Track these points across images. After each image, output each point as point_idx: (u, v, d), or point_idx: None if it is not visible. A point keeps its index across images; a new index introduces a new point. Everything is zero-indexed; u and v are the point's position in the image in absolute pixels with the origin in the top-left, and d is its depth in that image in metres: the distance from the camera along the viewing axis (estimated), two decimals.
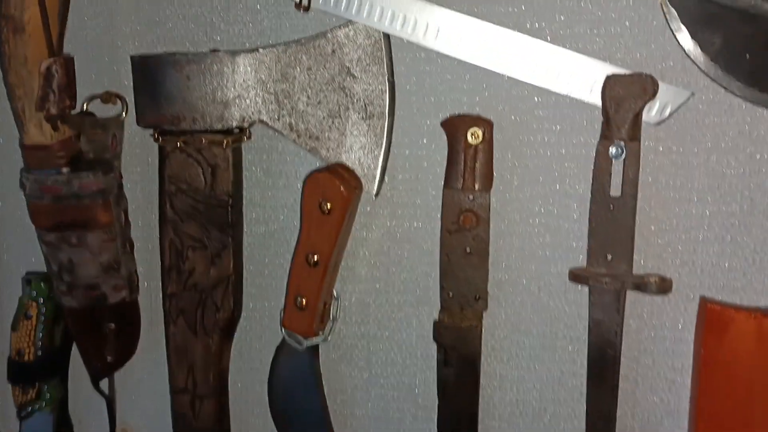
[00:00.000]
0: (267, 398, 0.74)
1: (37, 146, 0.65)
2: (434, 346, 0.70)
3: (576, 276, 0.67)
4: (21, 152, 0.68)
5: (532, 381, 0.71)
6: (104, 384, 0.79)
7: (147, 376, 0.79)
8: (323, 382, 0.73)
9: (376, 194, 0.69)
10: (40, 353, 0.77)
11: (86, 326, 0.73)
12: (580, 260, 0.68)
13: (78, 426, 0.82)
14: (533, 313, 0.70)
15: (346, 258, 0.72)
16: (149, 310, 0.77)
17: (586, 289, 0.67)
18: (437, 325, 0.70)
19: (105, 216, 0.69)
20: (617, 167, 0.64)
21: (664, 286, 0.65)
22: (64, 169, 0.67)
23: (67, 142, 0.67)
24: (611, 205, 0.65)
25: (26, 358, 0.77)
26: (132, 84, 0.70)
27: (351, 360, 0.75)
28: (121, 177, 0.72)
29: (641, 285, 0.64)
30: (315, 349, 0.72)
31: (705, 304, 0.66)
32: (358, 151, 0.68)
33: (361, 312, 0.74)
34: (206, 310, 0.72)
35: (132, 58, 0.69)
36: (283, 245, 0.74)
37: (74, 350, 0.80)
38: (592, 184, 0.65)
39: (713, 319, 0.65)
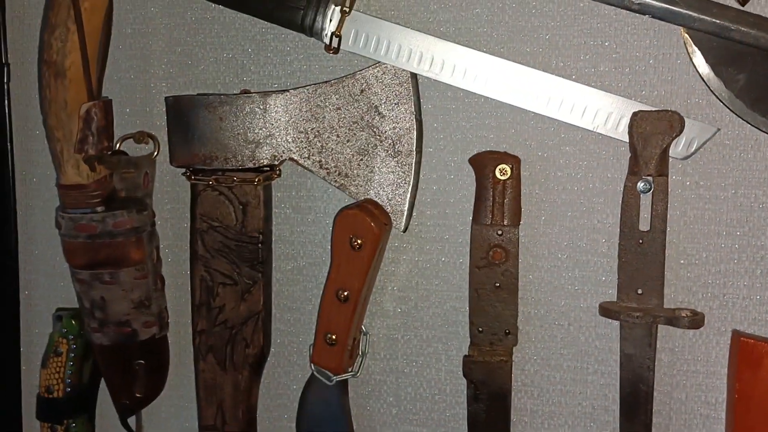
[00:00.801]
0: None
1: (73, 186, 0.67)
2: (464, 382, 0.70)
3: (606, 310, 0.67)
4: (57, 192, 0.70)
5: (564, 416, 0.70)
6: (132, 421, 0.78)
7: (175, 413, 0.80)
8: (352, 419, 0.74)
9: (404, 230, 0.70)
10: (68, 390, 0.77)
11: (116, 363, 0.74)
12: (610, 294, 0.68)
13: None
14: (564, 348, 0.70)
15: (375, 293, 0.73)
16: (178, 346, 0.78)
17: (616, 323, 0.67)
18: (467, 360, 0.70)
19: (137, 253, 0.70)
20: (645, 202, 0.65)
21: (696, 321, 0.65)
22: (99, 208, 0.68)
23: (102, 181, 0.68)
24: (641, 240, 0.65)
25: (55, 394, 0.77)
26: (165, 124, 0.72)
27: (379, 396, 0.75)
28: (154, 215, 0.73)
29: (673, 319, 0.64)
30: (344, 384, 0.72)
31: (738, 337, 0.65)
32: (387, 187, 0.69)
33: (390, 347, 0.74)
34: (236, 346, 0.72)
35: (166, 99, 0.71)
36: (312, 281, 0.75)
37: (102, 387, 0.80)
38: (621, 219, 0.66)
39: (746, 352, 0.65)
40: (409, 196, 0.70)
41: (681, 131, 0.63)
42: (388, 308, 0.73)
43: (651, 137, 0.64)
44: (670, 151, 0.65)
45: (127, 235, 0.69)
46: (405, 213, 0.70)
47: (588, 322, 0.69)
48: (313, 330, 0.72)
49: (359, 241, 0.66)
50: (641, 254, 0.65)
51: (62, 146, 0.65)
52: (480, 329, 0.70)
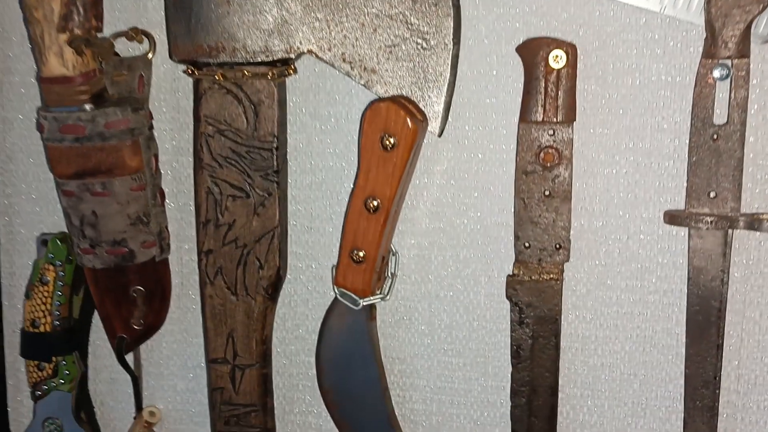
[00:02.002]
0: (315, 370, 0.66)
1: (57, 78, 0.57)
2: (507, 305, 0.62)
3: (673, 217, 0.59)
4: (39, 88, 0.60)
5: (621, 342, 0.62)
6: (129, 359, 0.69)
7: (178, 349, 0.70)
8: (380, 350, 0.65)
9: (440, 134, 0.61)
10: (57, 324, 0.68)
11: (110, 290, 0.65)
12: (677, 202, 0.60)
13: (100, 407, 0.73)
14: (622, 264, 0.61)
15: (405, 209, 0.64)
16: (182, 271, 0.68)
17: (683, 234, 0.59)
18: (511, 281, 0.62)
19: (134, 160, 0.61)
20: (722, 91, 0.57)
21: None
22: (87, 106, 0.59)
23: (90, 75, 0.59)
24: (715, 135, 0.57)
25: (42, 329, 0.68)
26: (163, 16, 0.62)
27: (411, 324, 0.66)
28: (152, 117, 0.64)
29: (753, 223, 0.57)
30: (371, 310, 0.64)
31: None
32: (419, 85, 0.61)
33: (422, 269, 0.65)
34: (248, 268, 0.63)
35: None
36: (333, 197, 0.66)
37: (95, 322, 0.71)
38: (692, 112, 0.57)
39: None
40: (445, 94, 0.60)
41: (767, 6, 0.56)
42: (421, 225, 0.64)
43: (732, 12, 0.55)
44: (751, 34, 0.57)
45: (121, 137, 0.59)
46: (441, 115, 0.61)
47: (650, 234, 0.61)
48: (334, 253, 0.64)
49: (392, 140, 0.58)
50: (715, 151, 0.57)
51: (43, 29, 0.56)
52: (526, 244, 0.62)
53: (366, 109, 0.58)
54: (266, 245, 0.63)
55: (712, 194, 0.58)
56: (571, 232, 0.61)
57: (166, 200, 0.67)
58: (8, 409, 0.73)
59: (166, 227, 0.66)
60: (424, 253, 0.65)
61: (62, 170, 0.61)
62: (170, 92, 0.67)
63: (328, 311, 0.65)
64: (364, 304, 0.63)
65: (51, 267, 0.68)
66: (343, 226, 0.62)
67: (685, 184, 0.59)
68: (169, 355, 0.72)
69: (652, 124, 0.60)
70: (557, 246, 0.61)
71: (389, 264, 0.65)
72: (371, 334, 0.65)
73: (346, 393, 0.66)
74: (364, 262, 0.61)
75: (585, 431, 0.64)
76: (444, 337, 0.66)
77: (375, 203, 0.60)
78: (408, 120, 0.57)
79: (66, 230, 0.66)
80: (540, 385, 0.63)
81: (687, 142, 0.58)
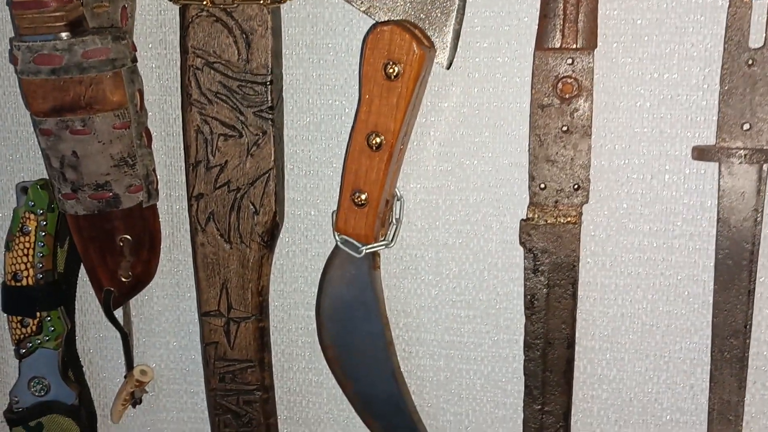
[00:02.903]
0: (315, 325, 0.62)
1: (29, 2, 0.51)
2: (520, 252, 0.58)
3: (702, 153, 0.55)
4: (10, 15, 0.56)
5: (642, 290, 0.58)
6: (119, 316, 0.65)
7: (170, 304, 0.66)
8: (384, 301, 0.60)
9: (448, 66, 0.56)
10: (40, 276, 0.64)
11: (95, 239, 0.60)
12: (705, 137, 0.55)
13: (88, 367, 0.69)
14: (645, 206, 0.57)
15: (410, 150, 0.59)
16: (171, 219, 0.64)
17: (713, 170, 0.54)
18: (525, 225, 0.57)
19: (115, 94, 0.55)
20: (758, 12, 0.51)
21: None
22: (64, 34, 0.54)
23: (66, 0, 0.55)
24: (750, 60, 0.52)
25: (24, 282, 0.64)
26: None
27: (417, 275, 0.62)
28: (135, 48, 0.59)
29: None
30: (374, 258, 0.59)
31: None
32: (426, 11, 0.56)
33: (429, 215, 0.61)
34: (242, 213, 0.59)
35: None
36: (332, 138, 0.61)
37: (82, 277, 0.68)
38: (725, 36, 0.52)
39: None
40: (454, 22, 0.56)
41: None
42: (427, 167, 0.60)
43: None
44: None
45: (101, 68, 0.54)
46: (449, 44, 0.56)
47: (677, 172, 0.56)
48: (334, 199, 0.60)
49: (396, 68, 0.52)
50: (750, 78, 0.52)
51: None
52: (542, 185, 0.57)
53: (368, 34, 0.53)
54: (261, 188, 0.59)
55: (746, 126, 0.53)
56: (591, 171, 0.56)
57: (154, 143, 0.62)
58: None
59: (154, 170, 0.61)
60: (431, 197, 0.61)
61: (39, 106, 0.56)
62: (156, 25, 0.62)
63: (328, 261, 0.61)
64: (367, 251, 0.58)
65: (32, 216, 0.63)
66: (344, 166, 0.57)
67: (716, 117, 0.54)
68: (160, 311, 0.67)
69: (680, 51, 0.54)
70: (575, 186, 0.57)
71: (393, 209, 0.60)
72: (374, 285, 0.60)
73: (349, 348, 0.62)
74: (367, 205, 0.57)
75: (603, 386, 0.60)
76: (452, 287, 0.61)
77: (378, 140, 0.55)
78: (414, 45, 0.52)
79: (47, 177, 0.63)
80: (555, 338, 0.59)
81: (718, 69, 0.53)
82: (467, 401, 0.63)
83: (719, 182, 0.54)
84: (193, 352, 0.67)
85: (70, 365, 0.68)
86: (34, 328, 0.66)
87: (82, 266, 0.67)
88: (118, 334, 0.66)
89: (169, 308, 0.67)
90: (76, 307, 0.68)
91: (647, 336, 0.59)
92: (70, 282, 0.68)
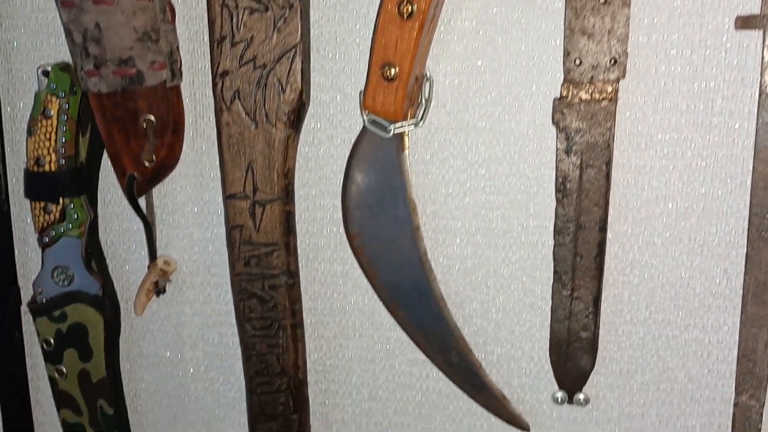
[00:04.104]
0: (340, 214, 0.61)
1: None
2: (553, 133, 0.56)
3: (747, 21, 0.52)
4: None
5: (678, 171, 0.56)
6: (142, 206, 0.64)
7: (193, 194, 0.65)
8: (411, 185, 0.58)
9: None
10: (62, 162, 0.63)
11: (118, 120, 0.59)
12: (752, 6, 0.53)
13: (111, 260, 0.68)
14: (684, 83, 0.55)
15: (439, 29, 0.57)
16: (195, 101, 0.62)
17: (757, 42, 0.52)
18: (558, 104, 0.56)
19: None
20: None
21: None
22: None
23: None
24: None
25: (47, 167, 0.63)
26: None
27: (445, 159, 0.60)
28: None
29: None
30: (402, 140, 0.57)
31: None
32: None
33: (458, 97, 0.59)
34: (268, 91, 0.57)
35: None
36: (360, 18, 0.58)
37: (104, 169, 0.66)
38: None
39: None
40: None
41: None
42: (457, 48, 0.58)
43: None
44: None
45: None
46: None
47: (718, 46, 0.53)
48: (360, 83, 0.57)
49: None
50: None
51: None
52: (577, 61, 0.55)
53: None
54: (287, 65, 0.57)
55: None
56: (629, 44, 0.54)
57: (177, 22, 0.60)
58: (15, 258, 0.70)
59: (177, 49, 0.59)
60: (460, 78, 0.59)
61: None
62: None
63: (355, 145, 0.60)
64: (396, 130, 0.57)
65: (54, 98, 0.62)
66: (373, 40, 0.55)
67: None
68: (183, 201, 0.66)
69: None
70: (612, 60, 0.55)
71: (423, 89, 0.59)
72: (402, 167, 0.59)
73: (375, 235, 0.61)
74: (397, 79, 0.55)
75: (635, 271, 0.59)
76: (482, 172, 0.60)
77: (410, 7, 0.53)
78: None
79: (69, 61, 0.62)
80: (587, 221, 0.58)
81: None
82: (494, 289, 0.62)
83: (763, 53, 0.52)
84: (217, 244, 0.66)
85: (94, 256, 0.68)
86: (57, 215, 0.65)
87: (104, 157, 0.66)
88: (141, 226, 0.66)
89: (192, 199, 0.66)
90: (99, 199, 0.68)
91: (682, 219, 0.58)
92: (93, 171, 0.67)
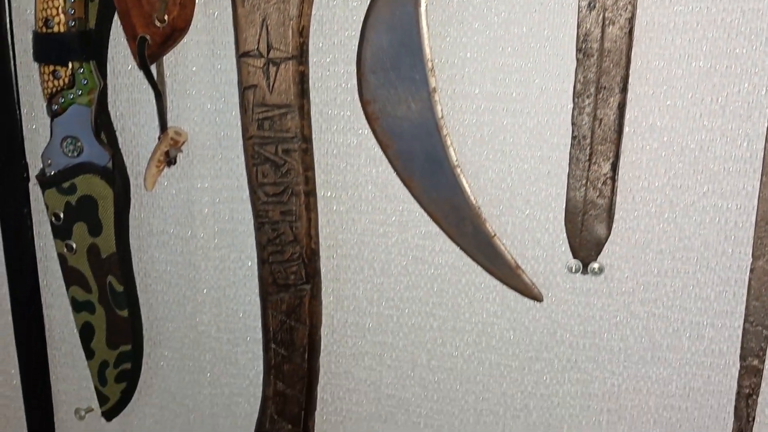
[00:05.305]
0: (355, 80, 0.59)
1: None
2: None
3: None
4: None
5: (703, 28, 0.54)
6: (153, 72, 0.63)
7: (205, 64, 0.64)
8: (429, 46, 0.57)
9: None
10: (72, 24, 0.62)
11: None
12: None
13: (121, 133, 0.67)
14: None
15: None
16: None
17: None
18: None
19: None
20: None
21: None
22: None
23: None
24: None
25: (56, 29, 0.62)
26: None
27: (463, 20, 0.58)
28: None
29: None
30: None
31: None
32: None
33: None
34: None
35: None
36: None
37: (114, 38, 0.65)
38: None
39: None
40: None
41: None
42: None
43: None
44: None
45: None
46: None
47: None
48: None
49: None
50: None
51: None
52: None
53: None
54: None
55: None
56: None
57: None
58: (23, 130, 0.69)
59: None
60: None
61: None
62: None
63: (371, 3, 0.58)
64: None
65: None
66: None
67: None
68: (195, 71, 0.65)
69: None
70: None
71: None
72: (420, 24, 0.57)
73: (390, 100, 0.60)
74: None
75: (654, 135, 0.58)
76: (500, 34, 0.57)
77: None
78: None
79: None
80: (608, 82, 0.56)
81: None
82: (510, 157, 0.61)
83: None
84: (229, 116, 0.65)
85: (103, 127, 0.67)
86: (66, 80, 0.64)
87: (114, 26, 0.65)
88: (151, 97, 0.65)
89: (204, 69, 0.65)
90: (108, 70, 0.67)
91: (705, 78, 0.56)
92: (103, 38, 0.66)
